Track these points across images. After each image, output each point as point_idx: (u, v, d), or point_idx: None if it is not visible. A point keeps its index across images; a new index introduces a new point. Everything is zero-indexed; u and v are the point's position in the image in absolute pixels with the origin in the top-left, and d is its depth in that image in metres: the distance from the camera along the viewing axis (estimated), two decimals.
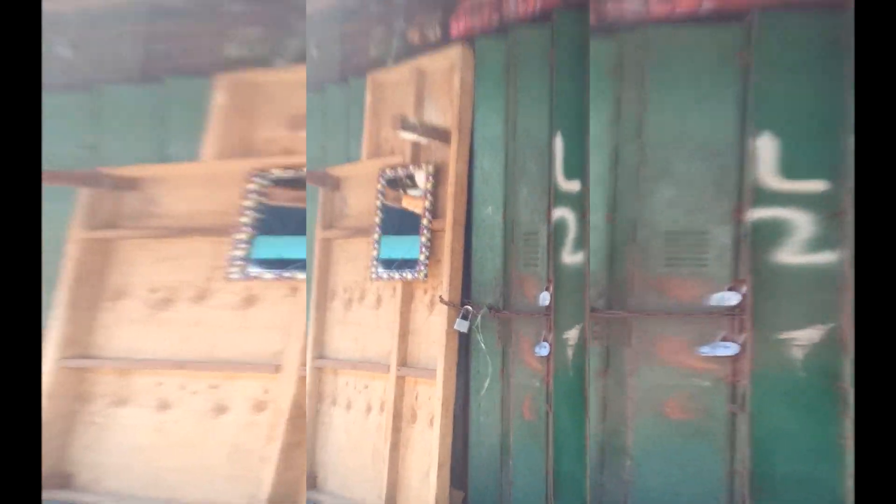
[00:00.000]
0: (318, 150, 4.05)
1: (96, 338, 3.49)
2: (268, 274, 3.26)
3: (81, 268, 3.50)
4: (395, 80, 3.75)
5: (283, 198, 3.37)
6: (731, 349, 2.67)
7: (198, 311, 3.37)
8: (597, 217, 2.86)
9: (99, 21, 3.97)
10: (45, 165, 3.36)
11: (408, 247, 3.47)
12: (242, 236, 3.30)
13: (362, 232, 3.71)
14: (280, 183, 3.38)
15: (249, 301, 3.32)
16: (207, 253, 3.40)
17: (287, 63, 3.80)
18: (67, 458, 3.37)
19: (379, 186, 3.61)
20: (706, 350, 2.71)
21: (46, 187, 3.63)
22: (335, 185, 3.91)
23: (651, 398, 2.78)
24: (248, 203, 3.33)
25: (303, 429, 3.13)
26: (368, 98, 3.83)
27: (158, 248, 3.48)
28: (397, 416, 3.39)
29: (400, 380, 3.41)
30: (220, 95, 3.65)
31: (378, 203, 3.60)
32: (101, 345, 3.48)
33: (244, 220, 3.31)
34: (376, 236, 3.58)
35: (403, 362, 3.43)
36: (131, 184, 3.59)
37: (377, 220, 3.60)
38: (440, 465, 3.15)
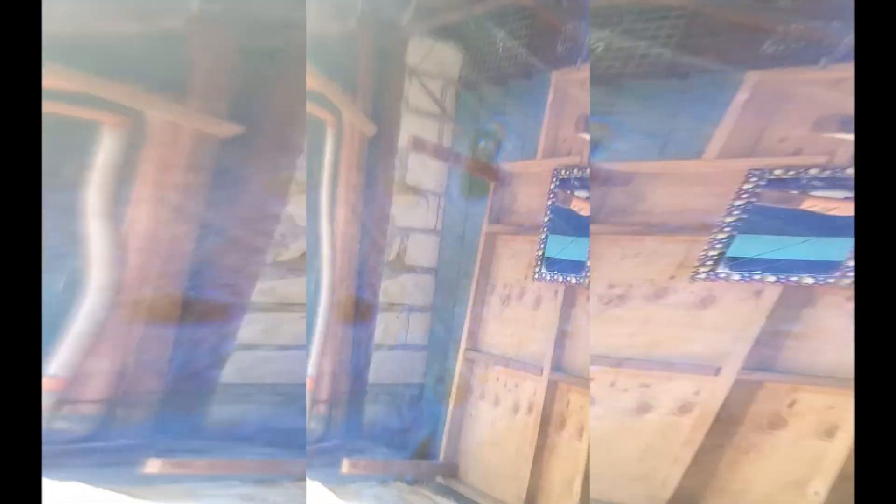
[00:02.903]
0: (495, 144, 4.08)
1: None
2: (735, 275, 3.18)
3: None
4: (580, 79, 3.67)
5: (773, 199, 3.24)
6: None
7: (650, 309, 3.31)
8: None
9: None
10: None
11: (575, 249, 3.39)
12: (722, 236, 3.25)
13: (528, 229, 3.68)
14: (774, 184, 3.24)
15: (706, 302, 3.22)
16: (677, 251, 3.30)
17: (829, 63, 3.53)
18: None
19: (552, 186, 3.56)
20: None
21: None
22: (507, 180, 3.92)
23: None
24: (739, 202, 3.26)
25: (725, 433, 3.00)
26: (550, 96, 3.78)
27: (629, 244, 3.41)
28: (545, 420, 3.33)
29: (552, 384, 3.35)
30: (742, 93, 3.42)
31: (549, 202, 3.55)
32: None
33: (730, 219, 3.24)
34: (543, 236, 3.53)
35: (558, 367, 3.36)
36: (625, 179, 3.52)
37: (546, 219, 3.55)
38: (585, 478, 3.06)
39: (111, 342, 3.86)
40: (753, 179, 3.17)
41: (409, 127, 4.35)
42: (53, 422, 3.73)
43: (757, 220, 3.14)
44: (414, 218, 4.42)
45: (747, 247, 3.13)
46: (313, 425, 4.29)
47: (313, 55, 4.08)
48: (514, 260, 3.80)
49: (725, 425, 2.94)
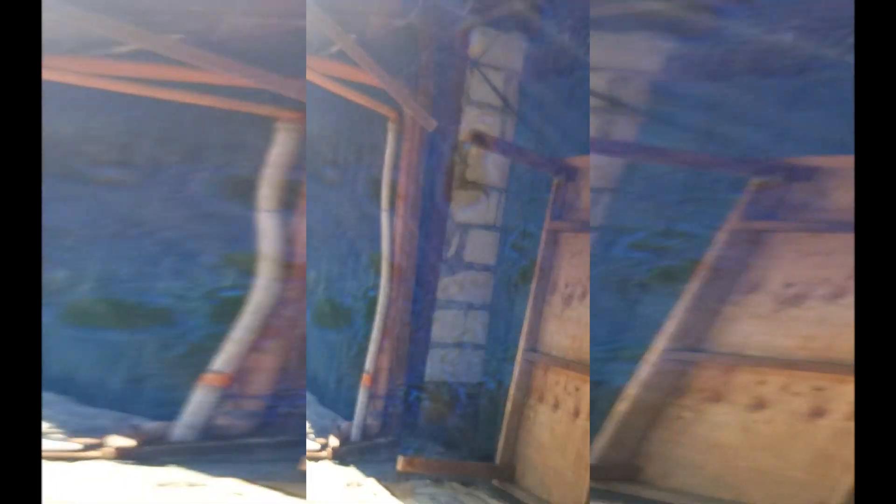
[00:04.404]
0: (559, 138, 3.95)
1: (712, 332, 3.33)
2: None
3: (722, 259, 3.34)
4: None
5: None
6: None
7: (827, 309, 3.07)
8: None
9: None
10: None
11: None
12: None
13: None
14: None
15: None
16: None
17: None
18: (642, 451, 3.30)
19: None
20: None
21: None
22: (570, 175, 3.78)
23: None
24: None
25: None
26: None
27: (808, 242, 3.21)
28: None
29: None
30: None
31: None
32: (714, 339, 3.32)
33: None
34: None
35: None
36: (806, 174, 3.30)
37: None
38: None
39: (276, 338, 3.87)
40: None
41: (471, 121, 4.27)
42: (216, 418, 3.77)
43: None
44: (474, 214, 4.34)
45: None
46: (370, 421, 4.27)
47: (375, 51, 4.05)
48: (577, 258, 3.65)
49: None
